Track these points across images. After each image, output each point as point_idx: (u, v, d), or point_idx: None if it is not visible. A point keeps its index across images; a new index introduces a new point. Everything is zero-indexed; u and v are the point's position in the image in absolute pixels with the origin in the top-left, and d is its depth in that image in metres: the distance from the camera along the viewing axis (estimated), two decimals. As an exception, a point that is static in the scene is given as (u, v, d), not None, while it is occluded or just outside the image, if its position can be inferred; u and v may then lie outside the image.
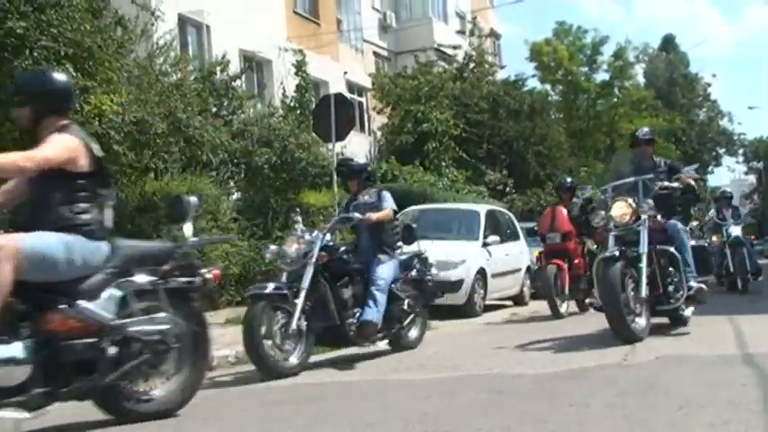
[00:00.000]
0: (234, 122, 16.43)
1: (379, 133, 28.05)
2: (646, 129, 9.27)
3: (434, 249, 13.57)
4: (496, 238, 13.75)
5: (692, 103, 59.59)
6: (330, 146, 14.42)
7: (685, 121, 54.81)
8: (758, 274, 15.63)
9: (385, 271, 7.98)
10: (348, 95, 20.33)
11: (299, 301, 7.10)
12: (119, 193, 11.39)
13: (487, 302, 13.46)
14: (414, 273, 8.62)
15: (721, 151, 62.68)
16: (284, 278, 7.46)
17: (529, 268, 15.27)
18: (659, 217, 8.17)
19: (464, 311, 12.80)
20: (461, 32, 33.45)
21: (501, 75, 32.92)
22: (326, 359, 7.93)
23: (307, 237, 7.63)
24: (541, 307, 14.54)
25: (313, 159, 16.45)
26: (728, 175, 67.41)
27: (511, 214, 16.92)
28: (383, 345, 8.24)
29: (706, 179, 46.76)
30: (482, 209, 15.16)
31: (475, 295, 13.04)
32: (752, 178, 67.94)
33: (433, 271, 9.00)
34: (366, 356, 7.99)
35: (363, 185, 8.36)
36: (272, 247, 7.97)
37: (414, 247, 9.04)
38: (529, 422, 4.39)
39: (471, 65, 29.61)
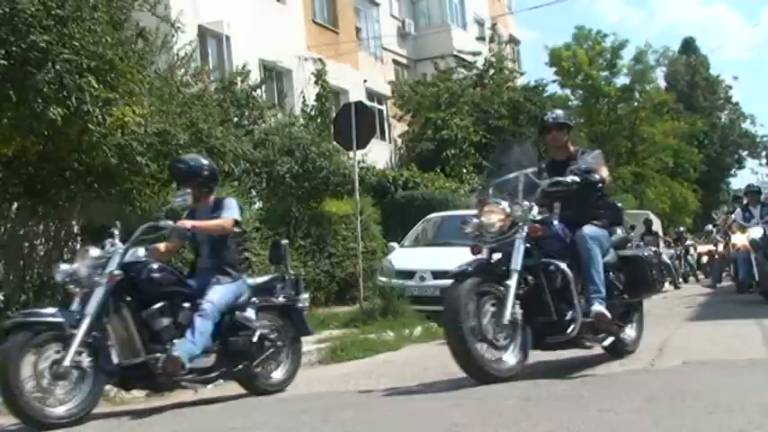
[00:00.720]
0: (255, 132, 16.48)
1: (399, 141, 28.05)
2: (559, 112, 7.50)
3: (459, 256, 13.62)
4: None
5: (714, 106, 59.18)
6: (351, 154, 14.43)
7: (707, 123, 54.46)
8: None
9: (216, 294, 6.47)
10: (368, 103, 20.35)
11: (79, 332, 5.72)
12: (142, 204, 11.46)
13: (511, 308, 13.41)
14: (280, 298, 7.13)
15: (744, 154, 62.14)
16: (76, 304, 6.03)
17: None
18: (556, 222, 6.59)
19: (488, 318, 12.74)
20: (481, 39, 33.42)
21: (521, 81, 32.86)
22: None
23: (93, 252, 6.21)
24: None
25: (334, 168, 16.47)
26: (752, 177, 66.79)
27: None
28: (211, 387, 6.61)
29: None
30: (504, 215, 15.10)
31: (498, 302, 12.99)
32: (776, 180, 67.37)
33: (304, 297, 7.37)
34: (379, 366, 7.74)
35: (200, 194, 6.79)
36: (63, 265, 6.27)
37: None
38: (558, 429, 4.36)
39: (491, 71, 29.58)
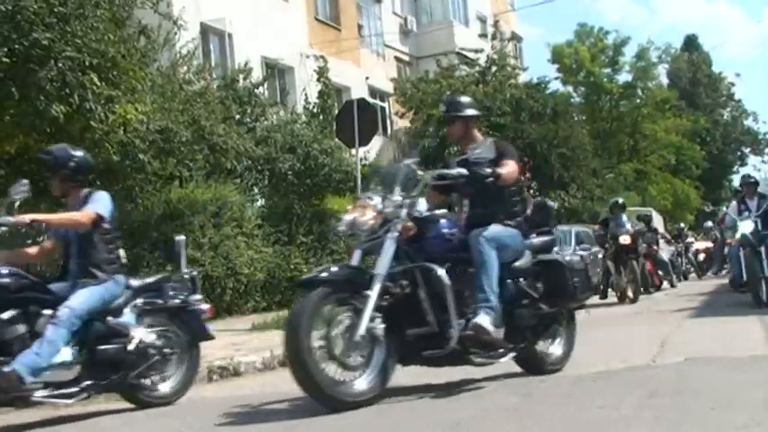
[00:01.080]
0: (257, 129, 16.53)
1: (402, 138, 28.05)
2: (460, 100, 6.54)
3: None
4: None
5: (716, 103, 59.19)
6: (353, 151, 14.44)
7: (709, 121, 54.45)
8: None
9: (77, 299, 5.69)
10: (370, 100, 20.36)
11: None
12: (144, 202, 11.49)
13: (513, 306, 13.40)
14: (173, 300, 6.38)
15: (746, 151, 62.12)
16: None
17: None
18: (443, 221, 5.78)
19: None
20: (483, 36, 33.42)
21: (523, 78, 32.84)
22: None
23: None
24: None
25: (336, 165, 16.51)
26: (755, 174, 66.68)
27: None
28: (72, 402, 5.78)
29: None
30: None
31: (500, 299, 12.98)
32: (778, 177, 67.23)
33: (196, 297, 6.54)
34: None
35: (68, 187, 6.12)
36: None
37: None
38: (560, 425, 4.37)
39: (493, 68, 29.57)
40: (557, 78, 40.78)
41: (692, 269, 25.88)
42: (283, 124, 17.29)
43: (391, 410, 5.15)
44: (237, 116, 15.95)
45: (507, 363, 6.25)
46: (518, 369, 6.34)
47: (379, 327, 5.20)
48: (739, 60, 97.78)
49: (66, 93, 9.24)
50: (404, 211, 5.53)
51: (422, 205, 5.77)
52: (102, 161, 10.35)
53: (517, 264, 5.99)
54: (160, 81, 12.20)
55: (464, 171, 5.78)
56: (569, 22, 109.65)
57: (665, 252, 21.01)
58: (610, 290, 15.30)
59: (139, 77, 10.44)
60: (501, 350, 5.82)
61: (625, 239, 14.84)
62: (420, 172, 5.80)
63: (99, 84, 9.45)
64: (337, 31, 27.31)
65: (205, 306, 6.61)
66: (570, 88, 43.87)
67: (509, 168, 5.91)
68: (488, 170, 5.77)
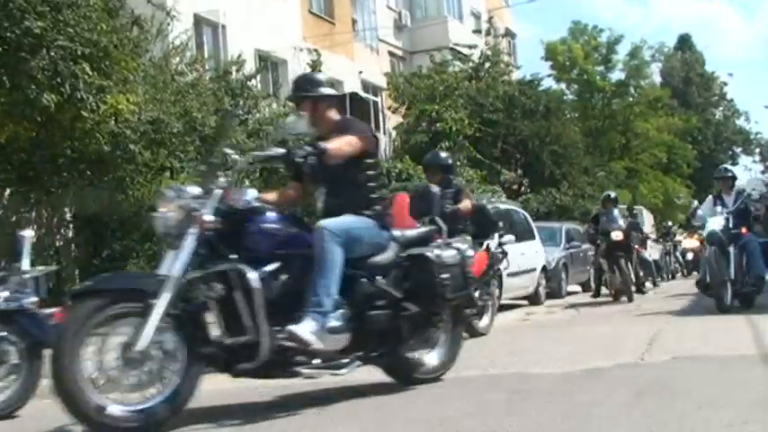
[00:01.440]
0: (249, 122, 16.48)
1: (393, 133, 28.03)
2: (314, 77, 6.07)
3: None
4: (512, 237, 13.71)
5: (709, 102, 59.34)
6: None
7: (701, 120, 54.57)
8: (759, 286, 10.57)
9: None
10: (363, 95, 20.33)
11: None
12: (135, 193, 11.45)
13: (502, 302, 13.44)
14: (10, 304, 5.69)
15: (738, 150, 62.26)
16: None
17: (545, 268, 15.31)
18: (270, 213, 5.05)
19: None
20: (477, 32, 33.42)
21: (516, 74, 32.84)
22: None
23: None
24: (556, 306, 14.53)
25: (328, 159, 16.50)
26: (745, 174, 66.94)
27: (526, 213, 16.89)
28: None
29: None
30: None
31: (490, 294, 12.98)
32: (769, 177, 67.35)
33: (31, 300, 5.83)
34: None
35: None
36: None
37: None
38: (547, 422, 4.37)
39: (487, 64, 29.56)
40: (550, 75, 40.83)
41: (680, 269, 25.93)
42: (275, 117, 17.24)
43: (381, 405, 5.15)
44: (229, 108, 15.91)
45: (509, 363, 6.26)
46: (504, 367, 6.35)
47: (170, 339, 4.49)
48: (732, 60, 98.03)
49: (57, 82, 9.20)
50: (206, 203, 4.74)
51: (249, 194, 5.08)
52: (92, 151, 10.33)
53: (376, 259, 5.27)
54: (152, 72, 12.17)
55: (280, 150, 5.04)
56: (563, 20, 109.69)
57: (654, 251, 21.02)
58: (603, 288, 15.29)
59: (131, 68, 10.41)
60: (345, 360, 5.12)
61: (617, 236, 14.35)
62: (235, 156, 5.06)
63: (91, 73, 9.42)
64: (331, 24, 27.27)
65: (49, 310, 5.95)
66: (563, 86, 43.91)
67: (337, 143, 5.09)
68: (306, 149, 4.94)
